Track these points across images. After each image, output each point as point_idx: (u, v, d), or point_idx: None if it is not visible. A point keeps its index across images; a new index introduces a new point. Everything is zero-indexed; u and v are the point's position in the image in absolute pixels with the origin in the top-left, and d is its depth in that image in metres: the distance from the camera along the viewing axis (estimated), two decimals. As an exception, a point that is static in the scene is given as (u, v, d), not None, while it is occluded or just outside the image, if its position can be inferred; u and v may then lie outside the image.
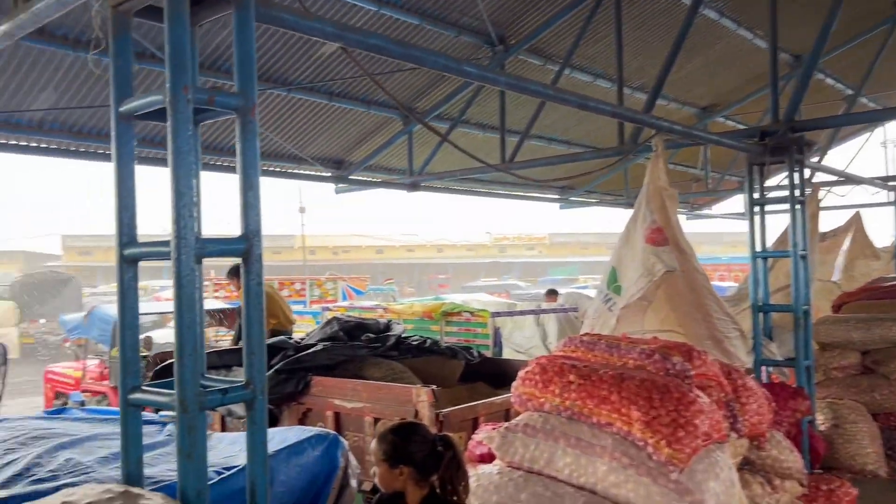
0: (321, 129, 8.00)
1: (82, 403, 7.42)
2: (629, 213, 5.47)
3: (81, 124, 6.45)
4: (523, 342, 9.77)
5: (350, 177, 8.70)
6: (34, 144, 6.32)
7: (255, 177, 2.26)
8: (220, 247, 2.21)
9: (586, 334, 4.12)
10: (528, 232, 60.12)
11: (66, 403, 8.03)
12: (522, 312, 9.76)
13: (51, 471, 3.37)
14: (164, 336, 10.61)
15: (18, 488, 3.09)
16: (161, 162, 6.39)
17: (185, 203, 2.06)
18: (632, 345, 3.71)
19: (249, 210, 2.25)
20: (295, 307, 12.05)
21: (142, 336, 10.77)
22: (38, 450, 3.61)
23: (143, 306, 11.87)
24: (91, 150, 6.56)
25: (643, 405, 3.15)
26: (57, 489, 2.65)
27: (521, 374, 3.61)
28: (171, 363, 2.22)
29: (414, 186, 8.51)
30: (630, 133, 6.57)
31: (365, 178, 9.03)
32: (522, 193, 10.69)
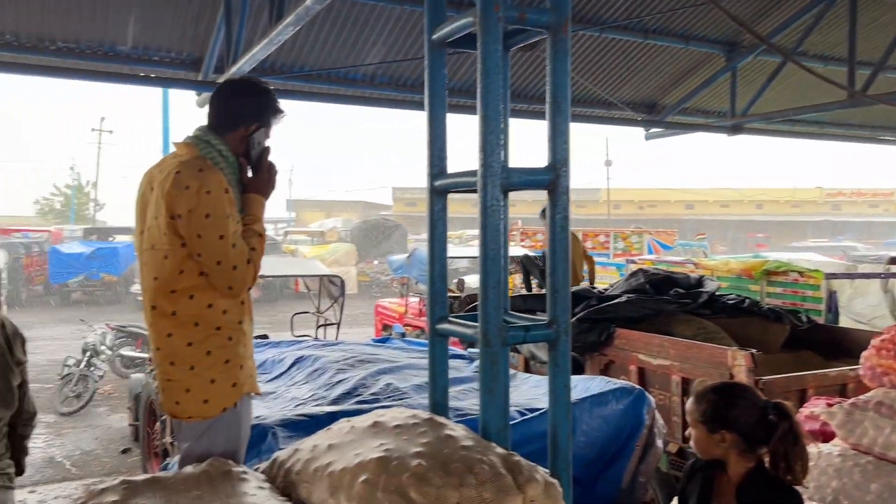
0: (633, 70, 7.59)
1: (402, 335, 8.17)
2: None
3: (406, 77, 6.90)
4: (866, 311, 8.35)
5: (664, 120, 8.17)
6: (367, 96, 6.94)
7: (564, 101, 2.07)
8: (526, 178, 2.07)
9: (968, 301, 3.27)
10: (870, 186, 52.12)
11: (389, 334, 8.93)
12: (866, 275, 8.32)
13: (373, 393, 3.69)
14: (477, 281, 11.08)
15: (346, 406, 3.42)
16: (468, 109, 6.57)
17: (493, 129, 1.96)
18: None
19: (558, 137, 2.07)
20: (598, 259, 11.83)
21: (455, 280, 11.52)
22: (364, 372, 3.98)
23: (457, 250, 12.69)
24: (416, 101, 6.96)
25: None
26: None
27: (875, 342, 2.98)
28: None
29: (736, 129, 7.70)
30: None
31: (680, 121, 8.41)
32: (871, 136, 9.08)
